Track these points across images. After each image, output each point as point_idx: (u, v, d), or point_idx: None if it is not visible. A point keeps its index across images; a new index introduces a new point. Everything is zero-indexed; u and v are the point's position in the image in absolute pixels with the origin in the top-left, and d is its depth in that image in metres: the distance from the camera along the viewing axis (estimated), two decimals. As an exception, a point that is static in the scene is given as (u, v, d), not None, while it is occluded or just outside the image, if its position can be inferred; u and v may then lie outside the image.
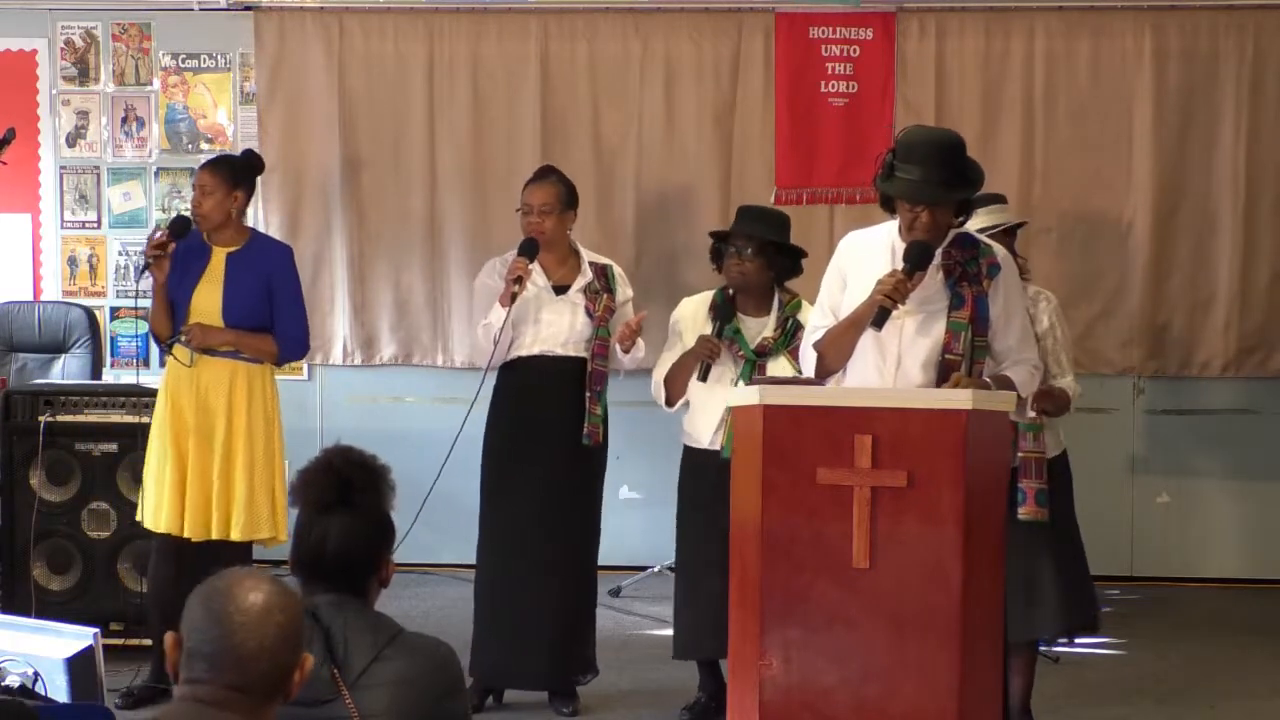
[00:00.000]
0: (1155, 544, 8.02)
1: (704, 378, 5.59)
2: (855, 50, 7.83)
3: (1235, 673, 6.48)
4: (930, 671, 4.08)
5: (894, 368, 4.48)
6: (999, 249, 4.65)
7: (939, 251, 4.49)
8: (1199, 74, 7.75)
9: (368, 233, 7.99)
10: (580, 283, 5.88)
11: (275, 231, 7.89)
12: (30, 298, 8.04)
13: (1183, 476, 8.01)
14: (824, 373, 4.62)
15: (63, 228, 8.17)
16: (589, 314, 5.83)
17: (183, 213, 6.10)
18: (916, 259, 4.42)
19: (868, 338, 4.47)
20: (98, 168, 8.15)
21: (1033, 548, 5.27)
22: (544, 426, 5.80)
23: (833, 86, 7.83)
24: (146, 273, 5.80)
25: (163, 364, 5.96)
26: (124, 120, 8.13)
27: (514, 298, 5.71)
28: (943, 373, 4.44)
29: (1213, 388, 7.94)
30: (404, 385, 8.09)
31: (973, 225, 5.20)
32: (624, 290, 6.00)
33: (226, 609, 2.51)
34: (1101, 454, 7.89)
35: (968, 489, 4.09)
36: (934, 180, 4.41)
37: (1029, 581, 5.30)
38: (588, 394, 5.78)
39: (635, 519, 7.72)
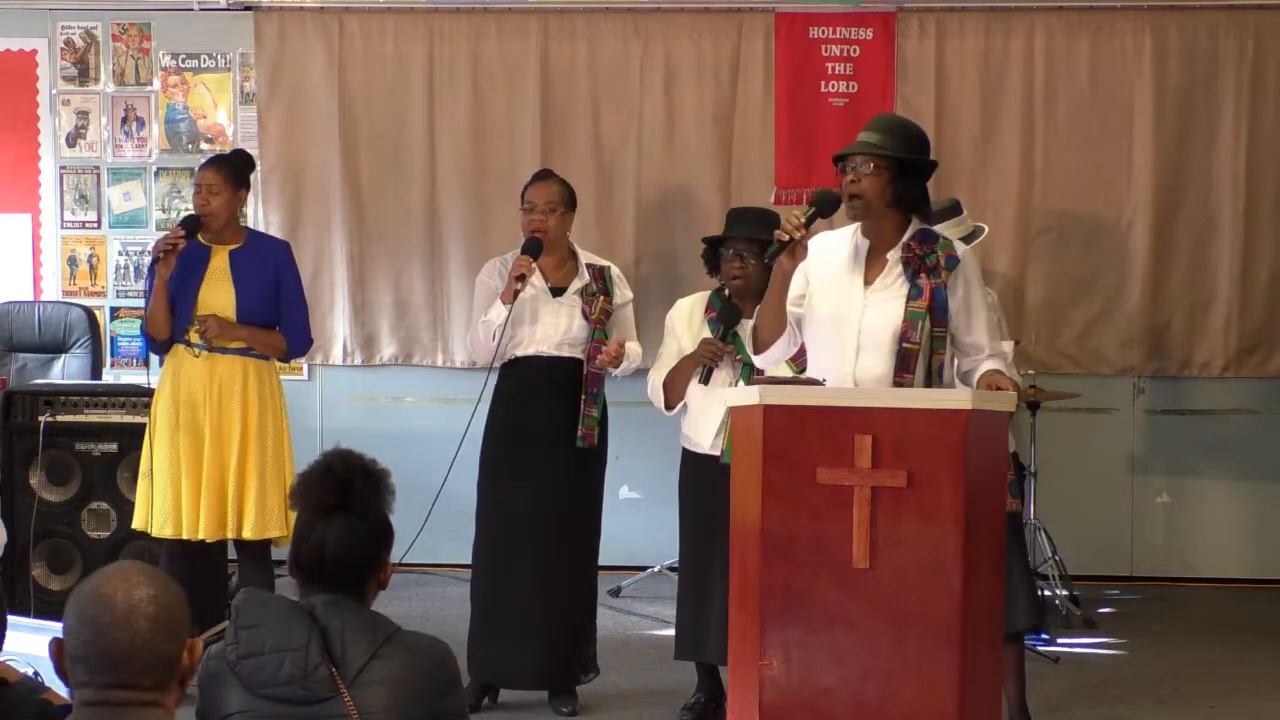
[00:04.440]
0: (1155, 544, 8.02)
1: (706, 380, 5.58)
2: (855, 50, 7.83)
3: (1235, 673, 6.48)
4: (930, 671, 4.08)
5: (853, 358, 4.49)
6: (961, 245, 4.67)
7: (899, 245, 4.52)
8: (1199, 74, 7.75)
9: (368, 233, 7.99)
10: (577, 285, 5.88)
11: (275, 231, 7.89)
12: (30, 298, 8.04)
13: (1183, 476, 8.01)
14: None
15: (63, 228, 8.17)
16: (585, 316, 5.83)
17: (185, 213, 6.10)
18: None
19: (830, 329, 4.51)
20: (98, 168, 8.15)
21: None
22: (539, 427, 5.80)
23: (833, 86, 7.83)
24: (155, 267, 5.79)
25: (161, 363, 5.95)
26: (124, 120, 8.13)
27: (516, 294, 5.72)
28: (901, 361, 4.45)
29: (1213, 388, 7.94)
30: (404, 385, 8.09)
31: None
32: (623, 292, 5.99)
33: (94, 610, 2.51)
34: (1101, 454, 7.90)
35: (968, 489, 4.08)
36: (865, 140, 4.50)
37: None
38: (583, 396, 5.79)
39: (635, 519, 7.72)
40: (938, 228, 5.37)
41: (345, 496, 3.12)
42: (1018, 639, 5.52)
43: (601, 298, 5.87)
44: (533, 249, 5.79)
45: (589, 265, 5.94)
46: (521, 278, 5.73)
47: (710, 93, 7.88)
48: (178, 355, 5.85)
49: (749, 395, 4.32)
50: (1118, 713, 5.95)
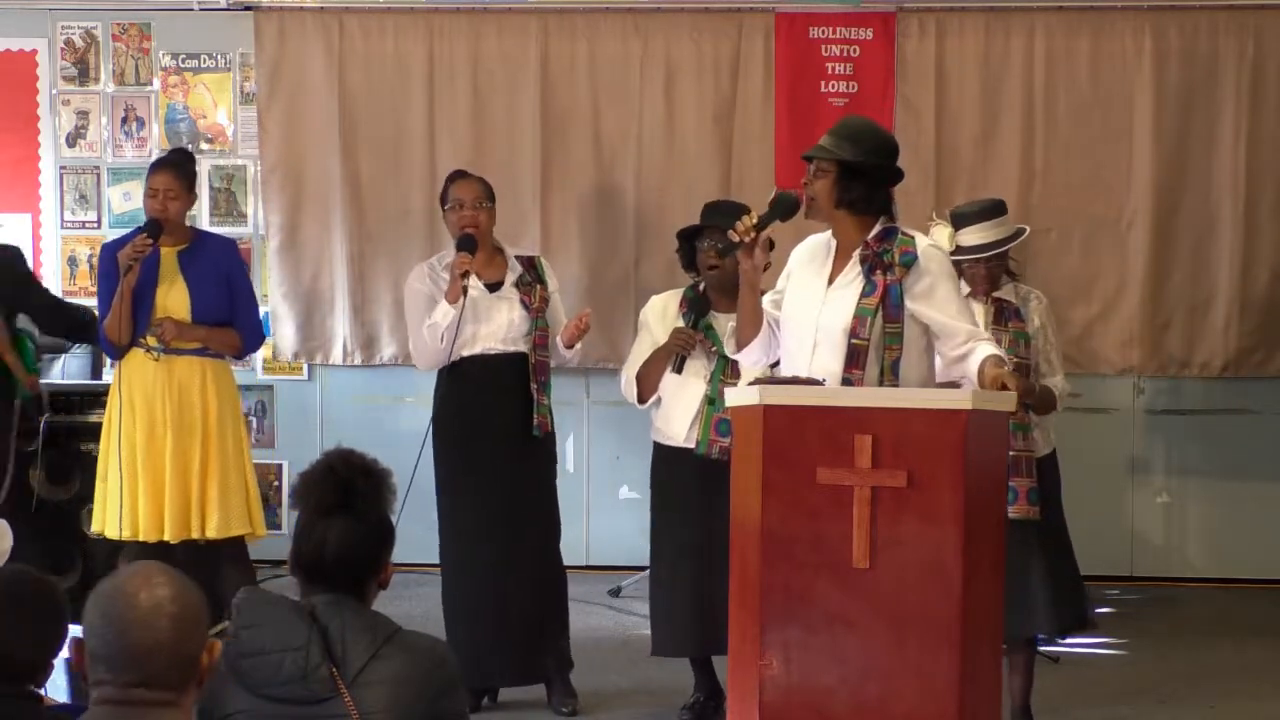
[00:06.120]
0: (1155, 544, 8.02)
1: (679, 370, 5.61)
2: (855, 50, 7.83)
3: (1235, 673, 6.48)
4: (930, 672, 4.08)
5: (810, 354, 4.54)
6: (922, 241, 4.66)
7: (862, 242, 4.56)
8: (1199, 74, 7.75)
9: (368, 232, 7.99)
10: (511, 277, 5.90)
11: (275, 232, 7.90)
12: (30, 298, 8.03)
13: (1183, 476, 8.01)
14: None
15: (63, 228, 8.17)
16: (525, 307, 5.85)
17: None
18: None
19: (795, 326, 4.60)
20: (98, 168, 8.15)
21: (1024, 546, 5.28)
22: (493, 423, 5.81)
23: (833, 86, 7.83)
24: (117, 275, 5.78)
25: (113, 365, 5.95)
26: (124, 120, 8.13)
27: (464, 291, 5.73)
28: (851, 356, 4.46)
29: (1213, 388, 7.94)
30: (404, 385, 8.07)
31: (969, 241, 5.34)
32: (551, 281, 6.03)
33: (118, 608, 2.53)
34: (1101, 454, 7.89)
35: (968, 489, 4.09)
36: (820, 144, 4.70)
37: (1022, 580, 5.31)
38: (533, 385, 5.80)
39: (635, 519, 7.69)
40: (977, 228, 5.43)
41: (347, 496, 3.12)
42: (1032, 643, 5.54)
43: (538, 286, 5.89)
44: (469, 245, 5.80)
45: (518, 257, 5.98)
46: (465, 274, 5.74)
47: (710, 92, 7.87)
48: (134, 358, 5.85)
49: (749, 395, 4.32)
50: (1118, 713, 5.95)
